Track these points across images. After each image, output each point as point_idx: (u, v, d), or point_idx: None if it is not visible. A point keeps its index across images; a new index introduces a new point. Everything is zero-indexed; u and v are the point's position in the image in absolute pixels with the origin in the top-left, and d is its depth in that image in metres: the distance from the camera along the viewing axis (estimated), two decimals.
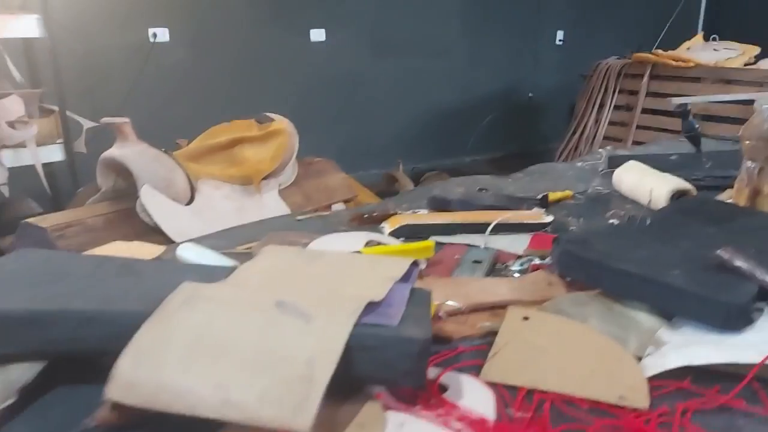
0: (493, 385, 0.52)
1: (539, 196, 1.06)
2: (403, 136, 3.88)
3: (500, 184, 1.20)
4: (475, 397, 0.50)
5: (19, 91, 2.16)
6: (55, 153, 2.34)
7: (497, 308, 0.66)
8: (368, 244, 0.80)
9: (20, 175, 2.19)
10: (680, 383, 0.51)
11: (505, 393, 0.51)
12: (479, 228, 0.91)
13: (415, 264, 0.61)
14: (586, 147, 3.90)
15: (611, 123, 4.08)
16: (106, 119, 1.61)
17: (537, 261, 0.78)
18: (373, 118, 3.80)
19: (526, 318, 0.61)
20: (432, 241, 0.80)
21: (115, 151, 1.62)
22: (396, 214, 0.95)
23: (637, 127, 3.89)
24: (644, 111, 3.64)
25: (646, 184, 1.03)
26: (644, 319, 0.61)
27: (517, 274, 0.76)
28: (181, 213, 1.62)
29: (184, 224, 1.60)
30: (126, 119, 1.61)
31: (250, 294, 0.54)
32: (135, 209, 1.61)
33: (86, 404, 0.49)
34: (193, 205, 1.68)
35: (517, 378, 0.53)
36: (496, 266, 0.79)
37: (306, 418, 0.43)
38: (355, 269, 0.59)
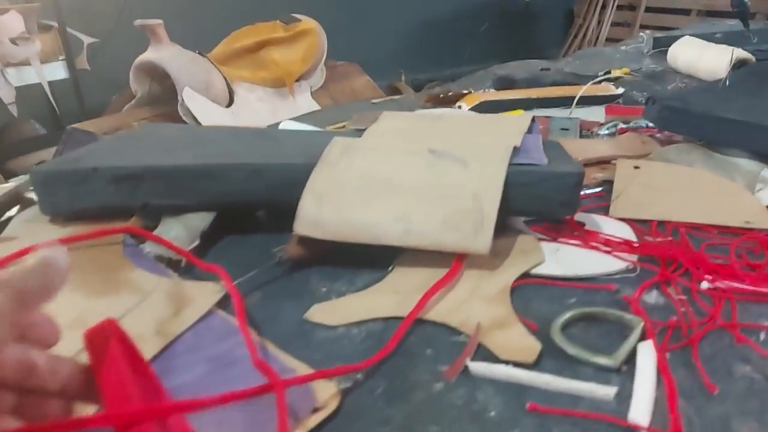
0: (624, 221, 0.57)
1: (601, 73, 1.08)
2: (401, 47, 3.80)
3: (556, 66, 1.22)
4: (612, 228, 0.55)
5: (17, 6, 2.08)
6: (58, 71, 2.28)
7: (602, 163, 0.70)
8: None
9: (21, 95, 2.14)
10: None
11: (636, 226, 0.56)
12: (554, 102, 0.94)
13: (533, 120, 0.64)
14: (576, 52, 3.85)
15: (614, 24, 4.01)
16: (139, 21, 1.57)
17: (622, 125, 0.82)
18: (370, 31, 3.70)
19: (636, 167, 0.66)
20: (520, 110, 0.83)
21: (151, 55, 1.60)
22: (470, 93, 0.97)
23: (641, 27, 3.82)
24: (648, 9, 3.57)
25: (708, 56, 1.06)
26: (745, 164, 0.66)
27: (606, 138, 0.80)
28: (222, 115, 1.62)
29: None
30: (159, 21, 1.58)
31: (400, 144, 0.57)
32: (176, 112, 1.62)
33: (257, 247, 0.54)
34: (232, 107, 1.69)
35: (645, 212, 0.58)
36: (582, 133, 0.83)
37: (485, 241, 0.48)
38: (479, 125, 0.63)
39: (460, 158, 0.54)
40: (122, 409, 0.27)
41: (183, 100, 1.59)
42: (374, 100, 1.00)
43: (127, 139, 0.64)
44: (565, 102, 0.94)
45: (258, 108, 1.81)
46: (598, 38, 4.08)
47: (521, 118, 0.63)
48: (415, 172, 0.53)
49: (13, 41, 2.11)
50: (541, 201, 0.52)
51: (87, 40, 2.28)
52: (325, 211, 0.50)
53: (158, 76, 1.67)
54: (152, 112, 1.64)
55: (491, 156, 0.54)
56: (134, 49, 1.71)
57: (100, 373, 0.28)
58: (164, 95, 1.76)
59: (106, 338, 0.28)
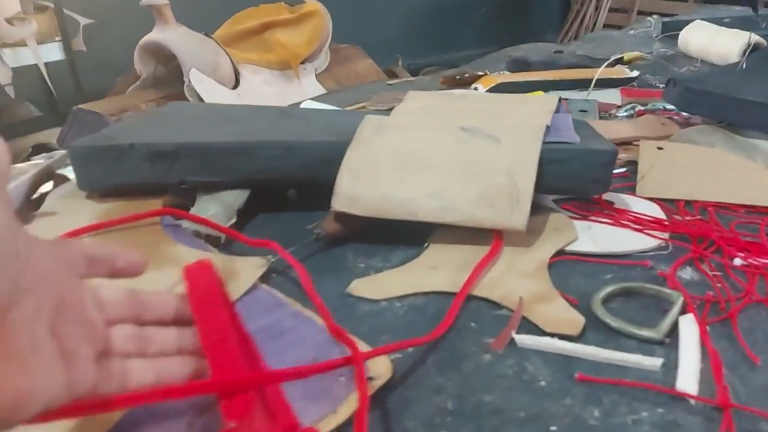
0: (651, 201, 0.58)
1: (614, 57, 1.08)
2: (397, 32, 3.77)
3: (568, 49, 1.22)
4: (640, 206, 0.56)
5: None
6: (54, 52, 2.25)
7: (624, 144, 0.71)
8: None
9: (16, 76, 2.11)
10: None
11: (664, 205, 0.57)
12: (570, 84, 0.95)
13: (560, 100, 0.65)
14: (586, 36, 3.85)
15: (611, 9, 4.00)
16: (145, 1, 1.56)
17: (640, 107, 0.83)
18: (367, 16, 3.67)
19: (660, 148, 0.66)
20: (540, 92, 0.84)
21: (157, 35, 1.59)
22: (485, 75, 0.97)
23: (639, 12, 3.82)
24: None
25: (720, 40, 1.06)
26: (766, 145, 0.66)
27: (625, 119, 0.80)
28: (229, 97, 1.62)
29: None
30: (166, 1, 1.57)
31: (430, 121, 0.58)
32: (182, 94, 1.61)
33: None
34: (238, 89, 1.68)
35: (672, 192, 0.59)
36: (600, 114, 0.84)
37: (521, 217, 0.49)
38: (506, 104, 0.63)
39: (492, 135, 0.55)
40: (228, 376, 0.28)
41: (190, 81, 1.58)
42: (389, 82, 1.00)
43: (158, 116, 0.64)
44: (580, 85, 0.94)
45: (264, 90, 1.80)
46: (595, 24, 4.07)
47: (548, 98, 0.63)
48: (448, 148, 0.53)
49: (9, 21, 2.08)
50: (574, 178, 0.52)
51: (83, 21, 2.25)
52: (361, 187, 0.51)
53: (164, 57, 1.66)
54: (157, 94, 1.63)
55: (524, 133, 0.55)
56: (132, 31, 1.69)
57: (199, 312, 0.30)
58: (169, 77, 1.74)
59: (205, 276, 0.31)
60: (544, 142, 0.53)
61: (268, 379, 0.31)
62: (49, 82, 2.25)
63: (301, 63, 1.90)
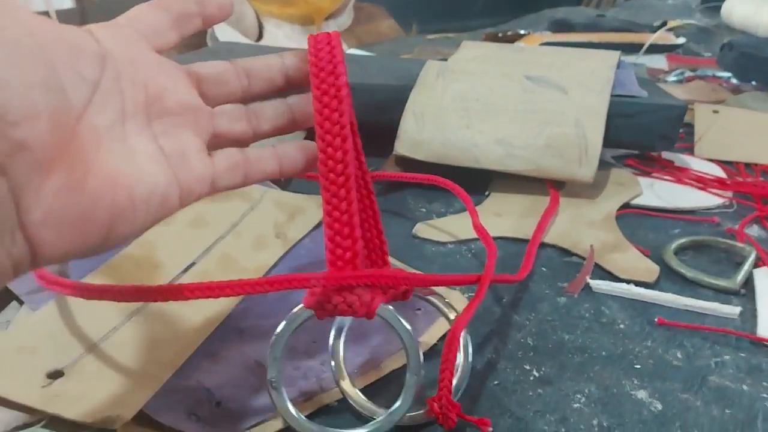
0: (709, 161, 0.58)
1: (657, 23, 1.06)
2: None
3: (608, 14, 1.20)
4: (699, 166, 0.56)
5: None
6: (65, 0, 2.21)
7: None
8: None
9: None
10: None
11: (725, 167, 0.57)
12: (615, 47, 0.93)
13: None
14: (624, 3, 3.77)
15: None
16: None
17: (689, 73, 0.82)
18: None
19: (715, 111, 0.66)
20: None
21: None
22: (528, 34, 0.96)
23: None
24: None
25: (766, 12, 1.04)
26: None
27: (675, 84, 0.79)
28: None
29: None
30: None
31: (494, 69, 0.57)
32: (203, 43, 1.58)
33: None
34: (261, 42, 1.65)
35: (731, 154, 0.58)
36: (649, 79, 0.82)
37: (589, 169, 0.48)
38: (566, 57, 0.62)
39: (559, 85, 0.54)
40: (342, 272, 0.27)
41: (213, 30, 1.55)
42: (429, 36, 0.99)
43: (212, 54, 0.62)
44: (624, 48, 0.92)
45: (285, 45, 1.77)
46: None
47: (609, 54, 0.62)
48: (514, 96, 0.53)
49: None
50: (642, 133, 0.52)
51: None
52: (425, 131, 0.50)
53: None
54: (181, 42, 1.60)
55: (591, 85, 0.54)
56: None
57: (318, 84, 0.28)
58: None
59: (332, 48, 0.28)
60: (611, 95, 0.52)
61: (399, 281, 0.29)
62: None
63: (325, 20, 1.87)
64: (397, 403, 0.28)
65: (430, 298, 0.34)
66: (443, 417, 0.27)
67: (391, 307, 0.29)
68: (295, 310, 0.29)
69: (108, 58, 0.23)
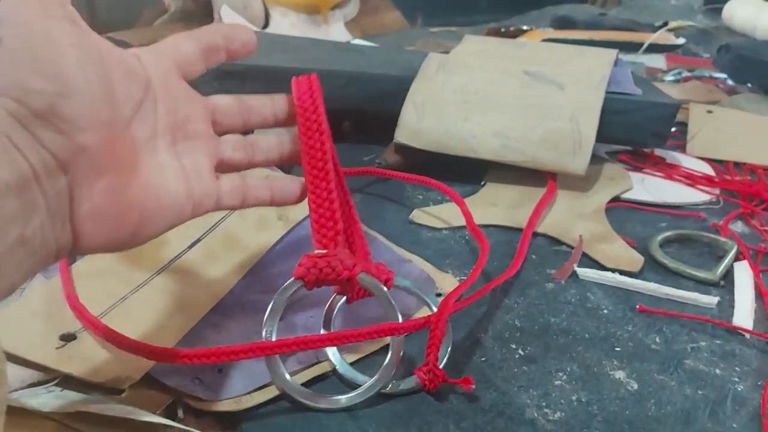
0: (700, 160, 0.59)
1: (659, 23, 1.08)
2: None
3: (610, 12, 1.21)
4: (691, 164, 0.58)
5: None
6: None
7: None
8: None
9: None
10: None
11: (714, 165, 0.58)
12: (615, 46, 0.94)
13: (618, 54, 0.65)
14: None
15: None
16: None
17: (686, 73, 0.83)
18: None
19: (709, 111, 0.67)
20: None
21: None
22: (531, 30, 0.97)
23: None
24: None
25: (766, 15, 1.05)
26: None
27: (672, 84, 0.81)
28: None
29: None
30: None
31: (493, 63, 0.58)
32: None
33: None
34: (267, 30, 1.66)
35: (722, 153, 0.60)
36: (647, 78, 0.84)
37: (582, 162, 0.50)
38: (565, 54, 0.63)
39: (556, 81, 0.55)
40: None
41: (221, 18, 1.56)
42: (433, 29, 1.00)
43: None
44: (625, 47, 0.94)
45: (291, 34, 1.78)
46: None
47: (606, 52, 0.63)
48: (512, 90, 0.54)
49: None
50: (635, 130, 0.53)
51: None
52: (425, 121, 0.52)
53: None
54: (186, 28, 1.60)
55: (587, 81, 0.55)
56: None
57: (304, 131, 0.34)
58: (197, 11, 1.72)
59: (312, 92, 0.34)
60: (606, 92, 0.54)
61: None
62: None
63: (330, 9, 1.88)
64: (382, 367, 0.31)
65: (407, 286, 0.36)
66: (430, 382, 0.30)
67: (372, 277, 0.32)
68: (286, 283, 0.32)
69: (150, 82, 0.28)
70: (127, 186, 0.25)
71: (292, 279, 0.32)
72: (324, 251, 0.32)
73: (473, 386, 0.30)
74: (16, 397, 0.28)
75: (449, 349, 0.34)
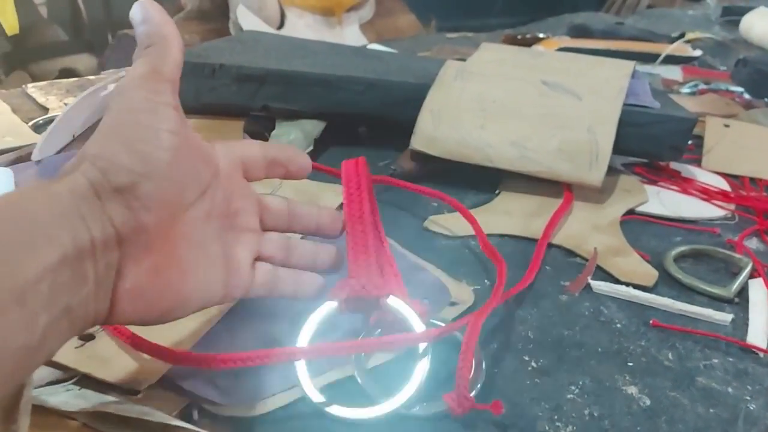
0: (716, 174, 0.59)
1: (675, 34, 1.07)
2: None
3: (627, 22, 1.21)
4: (705, 178, 0.57)
5: None
6: None
7: None
8: None
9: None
10: None
11: (729, 180, 0.58)
12: (631, 56, 0.94)
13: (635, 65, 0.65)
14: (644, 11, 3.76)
15: None
16: None
17: (703, 86, 0.83)
18: None
19: (726, 125, 0.67)
20: None
21: None
22: (547, 38, 0.97)
23: None
24: None
25: None
26: None
27: (689, 96, 0.80)
28: None
29: None
30: None
31: (511, 72, 0.58)
32: (226, 29, 1.60)
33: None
34: (282, 30, 1.67)
35: (738, 168, 0.60)
36: (663, 89, 0.84)
37: (599, 174, 0.50)
38: (583, 64, 0.64)
39: (574, 92, 0.55)
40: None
41: (236, 17, 1.57)
42: (449, 35, 1.00)
43: (239, 42, 0.64)
44: (641, 57, 0.93)
45: (306, 35, 1.79)
46: (639, 2, 3.97)
47: (624, 63, 0.63)
48: (530, 100, 0.54)
49: None
50: (652, 142, 0.53)
51: None
52: (441, 129, 0.52)
53: None
54: (201, 27, 1.62)
55: (605, 92, 0.55)
56: None
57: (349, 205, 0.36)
58: (213, 11, 1.73)
59: (358, 174, 0.36)
60: (624, 104, 0.54)
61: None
62: (81, 5, 2.23)
63: (346, 11, 1.88)
64: (405, 389, 0.30)
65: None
66: (459, 407, 0.29)
67: (401, 302, 0.33)
68: (321, 306, 0.33)
69: (219, 171, 0.29)
70: (169, 268, 0.26)
71: (327, 301, 0.33)
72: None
73: (503, 411, 0.29)
74: (36, 394, 0.29)
75: (483, 375, 0.33)
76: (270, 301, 0.38)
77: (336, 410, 0.30)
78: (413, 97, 0.55)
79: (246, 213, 0.31)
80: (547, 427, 0.31)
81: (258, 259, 0.32)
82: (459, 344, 0.31)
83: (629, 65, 0.63)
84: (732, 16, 1.27)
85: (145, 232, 0.24)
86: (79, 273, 0.22)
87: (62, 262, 0.21)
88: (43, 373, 0.31)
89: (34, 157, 0.50)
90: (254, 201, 0.32)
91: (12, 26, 1.43)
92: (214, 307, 0.36)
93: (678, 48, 0.97)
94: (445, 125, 0.52)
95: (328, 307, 0.33)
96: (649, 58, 0.92)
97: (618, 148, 0.53)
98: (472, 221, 0.44)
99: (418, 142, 0.52)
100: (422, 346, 0.32)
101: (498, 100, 0.54)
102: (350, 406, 0.30)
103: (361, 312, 0.34)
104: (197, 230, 0.27)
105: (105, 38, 2.28)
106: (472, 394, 0.31)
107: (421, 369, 0.31)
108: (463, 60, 0.61)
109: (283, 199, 0.34)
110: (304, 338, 0.32)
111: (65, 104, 0.65)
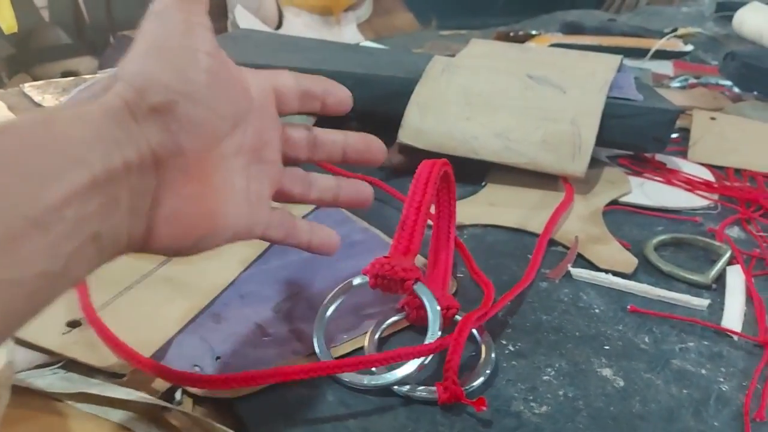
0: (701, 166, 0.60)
1: (668, 30, 1.08)
2: None
3: (620, 18, 1.21)
4: (691, 169, 0.58)
5: None
6: None
7: None
8: None
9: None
10: None
11: (714, 171, 0.59)
12: (623, 52, 0.95)
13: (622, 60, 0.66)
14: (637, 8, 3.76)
15: None
16: None
17: (693, 80, 0.83)
18: None
19: (713, 118, 0.68)
20: None
21: None
22: (539, 35, 0.98)
23: None
24: None
25: None
26: None
27: (678, 90, 0.81)
28: None
29: None
30: None
31: (498, 66, 0.59)
32: (224, 29, 1.61)
33: None
34: (281, 30, 1.68)
35: (723, 160, 0.60)
36: (653, 84, 0.84)
37: (581, 164, 0.51)
38: (569, 59, 0.64)
39: (558, 85, 0.56)
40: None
41: (235, 17, 1.58)
42: (442, 32, 1.01)
43: (232, 39, 0.65)
44: (633, 53, 0.94)
45: (304, 35, 1.80)
46: (638, 1, 3.98)
47: (611, 57, 0.64)
48: (515, 93, 0.55)
49: None
50: (635, 134, 0.54)
51: None
52: (427, 122, 0.53)
53: None
54: None
55: (589, 85, 0.56)
56: None
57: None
58: (211, 11, 1.74)
59: (431, 172, 0.37)
60: (607, 97, 0.55)
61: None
62: (83, 8, 2.25)
63: (344, 11, 1.89)
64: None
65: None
66: (444, 394, 0.30)
67: (427, 290, 0.34)
68: (355, 279, 0.36)
69: (253, 104, 0.28)
70: (205, 197, 0.25)
71: (360, 273, 0.35)
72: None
73: (485, 408, 0.30)
74: (22, 377, 0.30)
75: (488, 371, 0.33)
76: (255, 288, 0.39)
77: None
78: (402, 92, 0.55)
79: (271, 146, 0.30)
80: (521, 407, 0.31)
81: (277, 193, 0.31)
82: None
83: (616, 59, 0.64)
84: (726, 11, 1.28)
85: (183, 155, 0.24)
86: (110, 198, 0.21)
87: (91, 187, 0.20)
88: (31, 357, 0.32)
89: None
90: (279, 134, 0.31)
91: (9, 25, 1.43)
92: (199, 294, 0.37)
93: (669, 43, 0.97)
94: (432, 118, 0.53)
95: (360, 279, 0.35)
96: (640, 53, 0.93)
97: (602, 140, 0.54)
98: (460, 246, 0.44)
99: (405, 135, 0.53)
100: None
101: (483, 93, 0.55)
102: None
103: (390, 292, 0.35)
104: (228, 163, 0.27)
105: (107, 41, 2.29)
106: (473, 384, 0.32)
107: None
108: (453, 56, 0.62)
109: (303, 126, 0.32)
110: (332, 300, 0.35)
111: (60, 102, 0.66)
